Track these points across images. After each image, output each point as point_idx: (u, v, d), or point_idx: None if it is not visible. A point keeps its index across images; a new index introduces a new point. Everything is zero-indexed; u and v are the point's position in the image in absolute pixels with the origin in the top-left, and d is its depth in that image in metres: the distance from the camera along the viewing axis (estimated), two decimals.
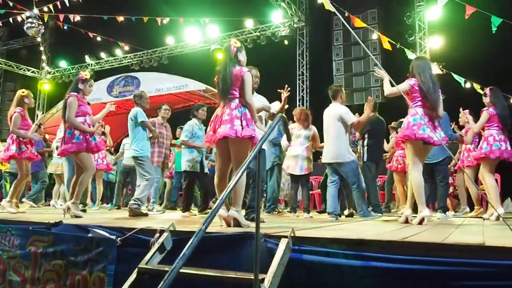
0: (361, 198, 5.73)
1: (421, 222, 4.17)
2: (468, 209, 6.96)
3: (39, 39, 16.69)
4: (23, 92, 6.20)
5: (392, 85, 4.39)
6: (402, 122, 4.94)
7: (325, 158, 5.84)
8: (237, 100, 3.82)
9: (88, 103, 5.52)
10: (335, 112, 5.70)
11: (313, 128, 6.44)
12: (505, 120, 5.50)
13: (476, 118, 5.99)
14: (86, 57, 16.93)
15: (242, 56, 3.97)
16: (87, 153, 5.17)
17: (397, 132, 7.97)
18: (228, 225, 3.68)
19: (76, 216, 4.80)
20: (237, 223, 3.63)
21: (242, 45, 4.04)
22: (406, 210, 4.50)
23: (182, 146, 6.72)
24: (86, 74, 5.32)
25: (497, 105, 5.54)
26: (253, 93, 4.34)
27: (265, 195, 6.88)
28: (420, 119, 4.26)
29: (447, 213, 6.05)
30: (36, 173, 8.97)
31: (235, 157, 3.75)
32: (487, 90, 5.71)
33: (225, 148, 3.82)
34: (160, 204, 8.56)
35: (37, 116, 14.44)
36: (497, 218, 4.91)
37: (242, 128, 3.69)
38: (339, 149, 5.65)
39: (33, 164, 9.05)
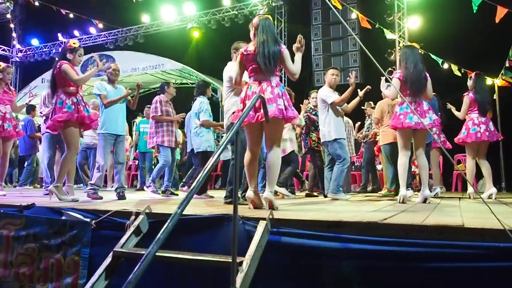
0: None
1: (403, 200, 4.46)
2: (439, 190, 6.87)
3: (8, 16, 16.17)
4: None
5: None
6: None
7: None
8: (277, 78, 3.73)
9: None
10: (318, 95, 5.86)
11: None
12: (483, 105, 5.66)
13: (455, 99, 6.18)
14: (59, 35, 16.43)
15: None
16: (75, 128, 4.65)
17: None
18: (255, 207, 3.57)
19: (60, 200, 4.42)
20: (271, 205, 3.42)
21: None
22: (401, 189, 4.58)
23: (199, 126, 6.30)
24: (74, 42, 4.81)
25: (477, 90, 5.68)
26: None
27: None
28: (407, 107, 4.52)
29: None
30: (27, 156, 9.03)
31: (271, 137, 3.63)
32: (473, 75, 5.84)
33: (260, 129, 3.65)
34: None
35: None
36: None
37: (286, 109, 3.56)
38: (323, 130, 5.76)
39: (24, 147, 8.97)
